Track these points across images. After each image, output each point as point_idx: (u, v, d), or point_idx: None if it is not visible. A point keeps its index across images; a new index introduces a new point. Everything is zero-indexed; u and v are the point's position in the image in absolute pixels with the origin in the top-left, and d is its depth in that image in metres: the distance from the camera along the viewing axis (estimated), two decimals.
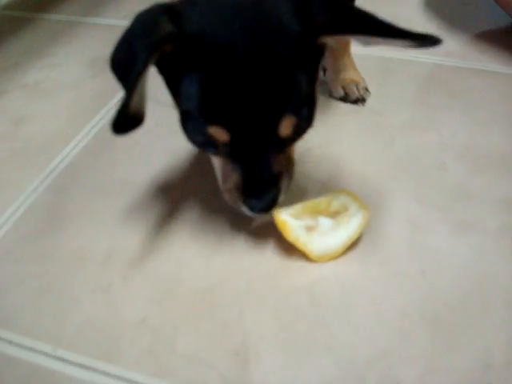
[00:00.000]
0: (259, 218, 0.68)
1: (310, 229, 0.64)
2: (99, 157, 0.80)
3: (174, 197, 0.73)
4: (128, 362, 0.56)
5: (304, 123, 0.58)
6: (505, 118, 0.84)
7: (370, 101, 0.89)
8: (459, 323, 0.58)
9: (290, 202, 0.66)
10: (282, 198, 0.61)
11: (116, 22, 1.12)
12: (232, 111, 0.53)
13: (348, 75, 0.90)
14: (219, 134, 0.55)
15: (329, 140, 0.81)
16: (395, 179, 0.74)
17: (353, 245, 0.64)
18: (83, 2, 1.25)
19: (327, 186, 0.73)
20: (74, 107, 0.89)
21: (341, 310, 0.59)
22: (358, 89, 0.89)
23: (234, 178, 0.59)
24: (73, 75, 0.97)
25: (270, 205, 0.59)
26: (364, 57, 1.00)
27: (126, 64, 0.53)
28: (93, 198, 0.73)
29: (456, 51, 1.01)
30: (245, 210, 0.61)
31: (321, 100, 0.90)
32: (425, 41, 0.50)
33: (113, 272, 0.64)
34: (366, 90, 0.90)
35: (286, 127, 0.55)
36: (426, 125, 0.83)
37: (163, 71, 0.58)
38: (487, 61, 0.98)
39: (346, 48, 0.89)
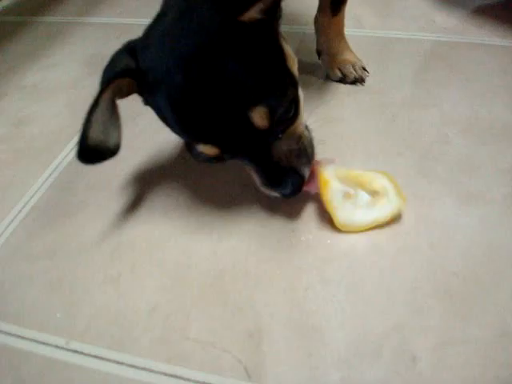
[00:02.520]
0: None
1: (347, 196, 0.64)
2: None
3: (178, 188, 0.73)
4: (141, 351, 0.56)
5: (280, 107, 0.55)
6: (505, 90, 0.83)
7: (369, 80, 0.88)
8: (471, 293, 0.57)
9: None
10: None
11: (110, 20, 1.12)
12: (203, 127, 0.54)
13: (344, 57, 0.89)
14: (207, 149, 0.56)
15: (330, 120, 0.81)
16: (399, 155, 0.74)
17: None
18: (77, 3, 1.25)
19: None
20: (73, 105, 0.89)
21: (351, 286, 0.59)
22: (355, 69, 0.88)
23: (255, 175, 0.60)
24: (70, 74, 0.97)
25: (298, 186, 0.60)
26: (362, 37, 1.00)
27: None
28: (97, 193, 0.73)
29: (454, 27, 1.01)
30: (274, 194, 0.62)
31: (320, 82, 0.90)
32: None
33: (121, 263, 0.64)
34: (364, 69, 0.89)
35: (259, 119, 0.54)
36: (426, 100, 0.83)
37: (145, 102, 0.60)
38: (485, 35, 0.97)
39: (338, 30, 0.88)
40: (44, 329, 0.59)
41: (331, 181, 0.64)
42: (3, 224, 0.71)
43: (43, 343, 0.57)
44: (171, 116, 0.55)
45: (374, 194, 0.65)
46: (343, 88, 0.88)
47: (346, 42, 0.90)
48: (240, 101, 0.52)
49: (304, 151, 0.61)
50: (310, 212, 0.67)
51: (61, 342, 0.57)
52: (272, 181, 0.59)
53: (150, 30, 0.58)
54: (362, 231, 0.64)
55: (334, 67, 0.89)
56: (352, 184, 0.65)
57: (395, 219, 0.65)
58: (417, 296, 0.58)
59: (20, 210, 0.72)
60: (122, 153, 0.78)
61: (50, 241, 0.68)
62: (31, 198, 0.74)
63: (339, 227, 0.64)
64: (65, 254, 0.66)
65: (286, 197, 0.60)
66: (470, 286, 0.58)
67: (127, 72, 0.56)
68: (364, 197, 0.65)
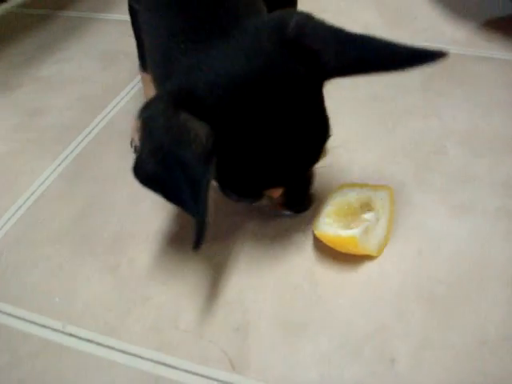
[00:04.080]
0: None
1: (367, 231, 0.63)
2: (109, 145, 0.83)
3: None
4: (133, 338, 0.59)
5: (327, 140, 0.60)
6: (507, 104, 0.84)
7: (371, 88, 0.90)
8: (455, 301, 0.59)
9: None
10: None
11: (126, 18, 1.15)
12: (286, 172, 0.57)
13: None
14: (276, 191, 0.60)
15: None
16: (396, 164, 0.75)
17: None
18: None
19: (328, 174, 0.75)
20: (86, 99, 0.92)
21: (338, 288, 0.61)
22: None
23: (280, 198, 0.63)
24: (84, 68, 1.00)
25: (310, 202, 0.65)
26: None
27: (173, 177, 0.50)
28: (103, 185, 0.76)
29: (462, 39, 1.02)
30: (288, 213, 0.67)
31: None
32: (431, 58, 0.51)
33: (121, 254, 0.67)
34: None
35: (324, 151, 0.60)
36: (427, 111, 0.84)
37: None
38: (493, 48, 0.98)
39: None
40: (43, 312, 0.62)
41: (353, 235, 0.61)
42: (10, 211, 0.74)
43: (41, 325, 0.60)
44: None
45: (365, 207, 0.66)
46: (343, 94, 0.89)
47: None
48: (324, 137, 0.58)
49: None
50: (304, 213, 0.69)
51: (58, 325, 0.60)
52: (296, 201, 0.64)
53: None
54: (387, 242, 0.65)
55: None
56: (349, 216, 0.65)
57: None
58: (401, 301, 0.60)
59: (28, 198, 0.75)
60: (129, 147, 0.81)
61: (54, 229, 0.71)
62: (39, 186, 0.77)
63: (378, 255, 0.64)
64: (67, 243, 0.69)
65: (299, 212, 0.66)
66: (454, 294, 0.60)
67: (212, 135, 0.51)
68: (371, 216, 0.65)
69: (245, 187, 0.59)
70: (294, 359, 0.55)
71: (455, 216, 0.68)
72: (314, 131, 0.57)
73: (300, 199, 0.64)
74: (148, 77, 0.76)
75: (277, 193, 0.60)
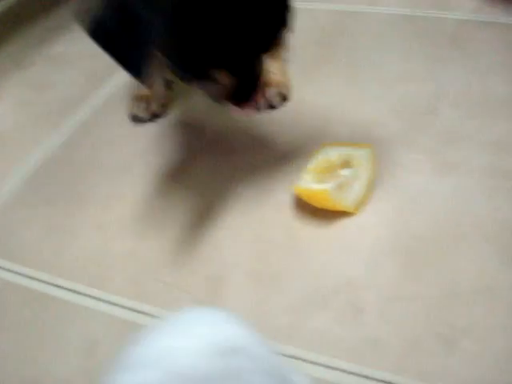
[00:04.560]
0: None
1: (341, 186, 0.63)
2: (110, 116, 0.86)
3: (170, 151, 0.78)
4: (115, 289, 0.61)
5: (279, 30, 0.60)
6: (505, 67, 0.82)
7: (369, 54, 0.90)
8: (430, 256, 0.59)
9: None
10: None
11: None
12: (230, 51, 0.57)
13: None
14: (221, 75, 0.59)
15: (323, 90, 0.83)
16: (385, 125, 0.75)
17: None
18: None
19: (317, 133, 0.76)
20: (91, 74, 0.95)
21: (313, 242, 0.62)
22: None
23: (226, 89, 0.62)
24: (92, 47, 1.03)
25: (253, 94, 0.63)
26: (375, 14, 1.01)
27: (130, 37, 0.55)
28: (99, 151, 0.80)
29: (467, 4, 1.00)
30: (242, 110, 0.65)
31: (317, 53, 0.92)
32: None
33: (110, 213, 0.70)
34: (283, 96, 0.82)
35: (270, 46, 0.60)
36: (424, 75, 0.83)
37: None
38: (497, 13, 0.96)
39: None
40: (33, 266, 0.65)
41: (325, 189, 0.62)
42: (13, 175, 0.78)
43: (30, 277, 0.64)
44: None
45: (346, 165, 0.66)
46: (340, 59, 0.89)
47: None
48: (275, 26, 0.58)
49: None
50: (289, 172, 0.70)
51: (46, 277, 0.64)
52: (243, 93, 0.63)
53: None
54: (370, 196, 0.65)
55: None
56: (327, 173, 0.65)
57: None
58: (375, 255, 0.60)
59: (32, 165, 0.79)
60: (126, 118, 0.84)
61: (51, 191, 0.75)
62: (43, 155, 0.81)
63: (354, 211, 0.64)
64: (62, 204, 0.73)
65: (240, 102, 0.63)
66: (430, 249, 0.60)
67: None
68: (347, 173, 0.65)
69: (190, 62, 0.59)
70: (264, 308, 0.57)
71: (439, 174, 0.67)
72: (263, 14, 0.56)
73: (247, 91, 0.62)
74: None
75: (223, 77, 0.59)
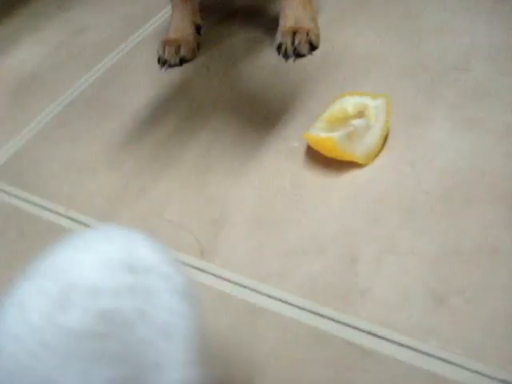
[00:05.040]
0: None
1: (351, 135, 0.62)
2: (140, 60, 0.87)
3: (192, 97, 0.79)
4: (122, 224, 0.63)
5: None
6: None
7: (406, 5, 0.85)
8: (435, 213, 0.57)
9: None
10: None
11: None
12: None
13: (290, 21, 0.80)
14: None
15: (354, 41, 0.81)
16: (412, 77, 0.72)
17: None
18: None
19: (342, 84, 0.74)
20: (128, 19, 0.97)
21: (319, 192, 0.61)
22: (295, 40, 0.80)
23: None
24: None
25: None
26: None
27: None
28: (125, 93, 0.81)
29: None
30: None
31: (353, 2, 0.88)
32: None
33: (126, 153, 0.72)
34: (310, 43, 0.80)
35: None
36: (461, 28, 0.79)
37: None
38: None
39: None
40: (50, 198, 0.68)
41: (330, 137, 0.61)
42: (43, 114, 0.81)
43: (47, 209, 0.67)
44: None
45: (360, 115, 0.64)
46: (375, 8, 0.86)
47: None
48: None
49: None
50: (306, 121, 0.69)
51: (61, 209, 0.67)
52: None
53: None
54: (382, 148, 0.64)
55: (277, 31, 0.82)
56: (339, 123, 0.64)
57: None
58: (379, 208, 0.59)
59: (60, 103, 0.82)
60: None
61: (76, 129, 0.77)
62: (71, 94, 0.84)
63: (365, 162, 0.63)
64: (83, 143, 0.75)
65: None
66: (436, 206, 0.58)
67: None
68: (360, 123, 0.63)
69: None
70: (260, 252, 0.57)
71: (460, 130, 0.64)
72: None
73: None
74: None
75: None
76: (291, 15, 0.80)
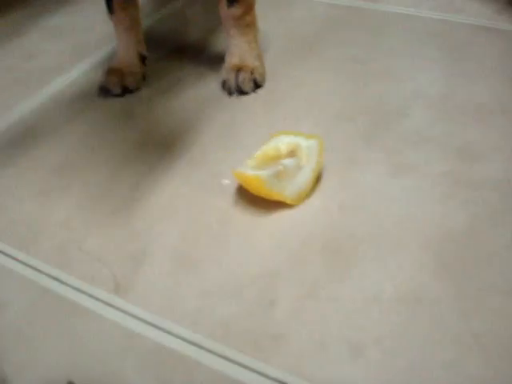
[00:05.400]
0: None
1: (279, 175, 0.61)
2: (84, 88, 0.86)
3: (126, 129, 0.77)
4: (39, 254, 0.60)
5: None
6: (494, 73, 0.78)
7: (355, 50, 0.86)
8: (361, 258, 0.55)
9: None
10: None
11: None
12: None
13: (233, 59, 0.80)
14: None
15: (299, 82, 0.80)
16: (351, 120, 0.72)
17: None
18: None
19: (282, 123, 0.73)
20: (78, 47, 0.96)
21: (245, 232, 0.60)
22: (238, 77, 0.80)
23: None
24: (86, 20, 1.04)
25: None
26: (362, 9, 0.98)
27: None
28: (65, 121, 0.79)
29: (471, 9, 0.95)
30: None
31: (305, 45, 0.89)
32: None
33: (55, 182, 0.69)
34: (254, 82, 0.80)
35: None
36: (406, 74, 0.80)
37: None
38: (500, 20, 0.91)
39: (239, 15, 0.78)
40: None
41: (258, 175, 0.59)
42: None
43: None
44: None
45: (291, 154, 0.64)
46: (327, 52, 0.86)
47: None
48: None
49: None
50: (240, 158, 0.67)
51: None
52: None
53: None
54: (312, 190, 0.63)
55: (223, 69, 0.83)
56: (270, 162, 0.63)
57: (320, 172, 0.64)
58: (303, 250, 0.57)
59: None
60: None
61: (9, 153, 0.75)
62: (8, 118, 0.82)
63: (294, 203, 0.61)
64: (15, 167, 0.73)
65: None
66: (362, 251, 0.56)
67: None
68: (290, 162, 0.62)
69: None
70: (177, 291, 0.55)
71: (393, 175, 0.64)
72: None
73: None
74: (114, 19, 0.81)
75: None
76: (236, 53, 0.79)
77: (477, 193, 0.61)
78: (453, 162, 0.65)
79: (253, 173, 0.59)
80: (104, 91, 0.82)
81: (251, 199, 0.62)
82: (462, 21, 0.91)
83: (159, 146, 0.72)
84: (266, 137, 0.68)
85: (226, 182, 0.65)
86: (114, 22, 0.82)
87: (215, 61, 0.87)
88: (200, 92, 0.81)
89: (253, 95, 0.78)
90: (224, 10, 0.78)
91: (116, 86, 0.82)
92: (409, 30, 0.90)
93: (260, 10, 0.93)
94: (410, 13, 0.95)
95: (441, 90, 0.76)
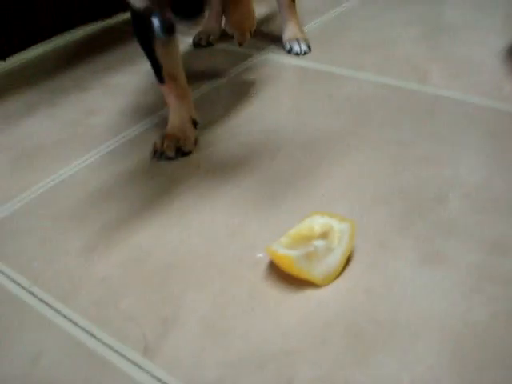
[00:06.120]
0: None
1: (310, 255, 0.64)
2: (141, 148, 0.92)
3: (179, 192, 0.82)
4: (78, 308, 0.64)
5: None
6: None
7: (399, 132, 0.89)
8: (380, 344, 0.56)
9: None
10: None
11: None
12: None
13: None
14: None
15: (343, 161, 0.84)
16: (386, 204, 0.74)
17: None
18: None
19: (322, 200, 0.76)
20: (138, 107, 1.03)
21: (273, 307, 0.62)
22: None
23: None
24: (148, 80, 1.11)
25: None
26: (407, 91, 1.01)
27: None
28: (118, 180, 0.85)
29: None
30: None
31: (346, 125, 0.92)
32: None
33: (99, 237, 0.74)
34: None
35: None
36: (446, 160, 0.81)
37: None
38: None
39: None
40: (19, 270, 0.70)
41: (288, 254, 0.63)
42: (33, 187, 0.85)
43: (13, 281, 0.69)
44: None
45: (324, 236, 0.66)
46: (370, 135, 0.89)
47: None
48: None
49: None
50: (273, 233, 0.70)
51: (26, 283, 0.68)
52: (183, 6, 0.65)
53: None
54: (341, 271, 0.65)
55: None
56: (302, 242, 0.65)
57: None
58: (326, 331, 0.58)
59: (52, 180, 0.87)
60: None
61: (59, 208, 0.81)
62: (64, 172, 0.88)
63: (322, 284, 0.63)
64: (64, 221, 0.78)
65: (188, 19, 0.67)
66: (382, 336, 0.57)
67: None
68: (320, 244, 0.64)
69: None
70: (201, 358, 0.57)
71: (422, 264, 0.65)
72: None
73: (186, 4, 0.65)
74: (165, 88, 0.88)
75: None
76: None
77: (503, 289, 0.61)
78: (483, 254, 0.65)
79: (284, 252, 0.62)
80: (159, 154, 0.87)
81: (281, 275, 0.65)
82: (509, 109, 0.92)
83: (200, 212, 0.76)
84: (303, 212, 0.71)
85: (260, 255, 0.68)
86: (165, 90, 0.89)
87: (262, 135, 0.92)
88: (248, 162, 0.86)
89: (294, 167, 0.82)
90: None
91: (171, 150, 0.87)
92: (454, 115, 0.93)
93: (309, 85, 0.98)
94: (457, 97, 0.97)
95: (479, 180, 0.77)
